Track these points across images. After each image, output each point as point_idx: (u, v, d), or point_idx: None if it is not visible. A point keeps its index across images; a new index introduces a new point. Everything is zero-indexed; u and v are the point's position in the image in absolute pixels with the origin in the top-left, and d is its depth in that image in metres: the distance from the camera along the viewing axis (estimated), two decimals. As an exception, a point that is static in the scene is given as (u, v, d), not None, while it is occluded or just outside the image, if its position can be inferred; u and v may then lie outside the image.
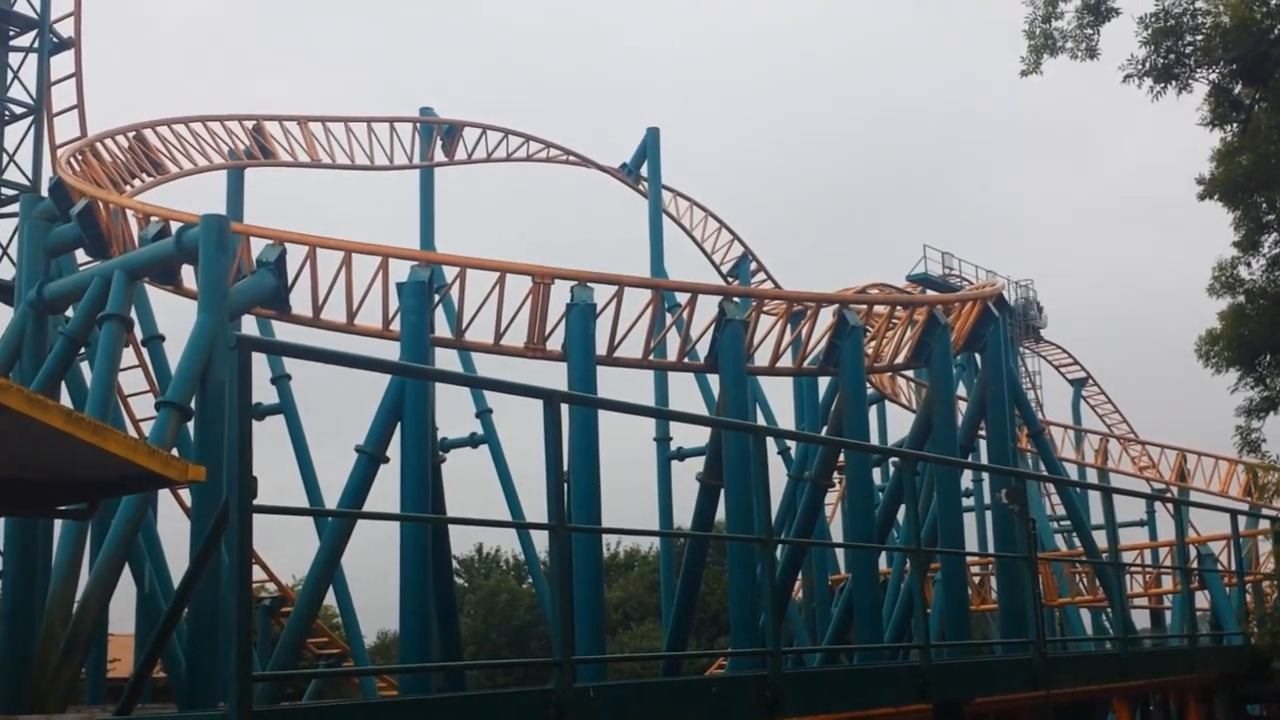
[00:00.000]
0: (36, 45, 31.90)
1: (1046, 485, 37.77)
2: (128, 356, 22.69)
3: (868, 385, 25.19)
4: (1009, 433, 23.11)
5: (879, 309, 23.27)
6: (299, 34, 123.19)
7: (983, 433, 23.95)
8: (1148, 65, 17.54)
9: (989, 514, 34.27)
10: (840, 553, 30.83)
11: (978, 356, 24.38)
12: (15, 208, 26.80)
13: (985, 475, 31.71)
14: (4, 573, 19.03)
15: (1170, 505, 32.84)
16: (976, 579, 32.74)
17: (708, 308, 20.77)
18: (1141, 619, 31.47)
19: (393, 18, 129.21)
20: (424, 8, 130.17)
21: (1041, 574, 23.53)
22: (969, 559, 27.22)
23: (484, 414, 30.49)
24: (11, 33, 32.12)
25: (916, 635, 11.17)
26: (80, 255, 20.59)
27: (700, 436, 30.82)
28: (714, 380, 24.90)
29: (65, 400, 18.53)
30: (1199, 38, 17.50)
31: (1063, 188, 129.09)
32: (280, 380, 27.25)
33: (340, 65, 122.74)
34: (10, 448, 12.64)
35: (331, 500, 26.07)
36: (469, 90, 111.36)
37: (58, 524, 17.58)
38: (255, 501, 5.62)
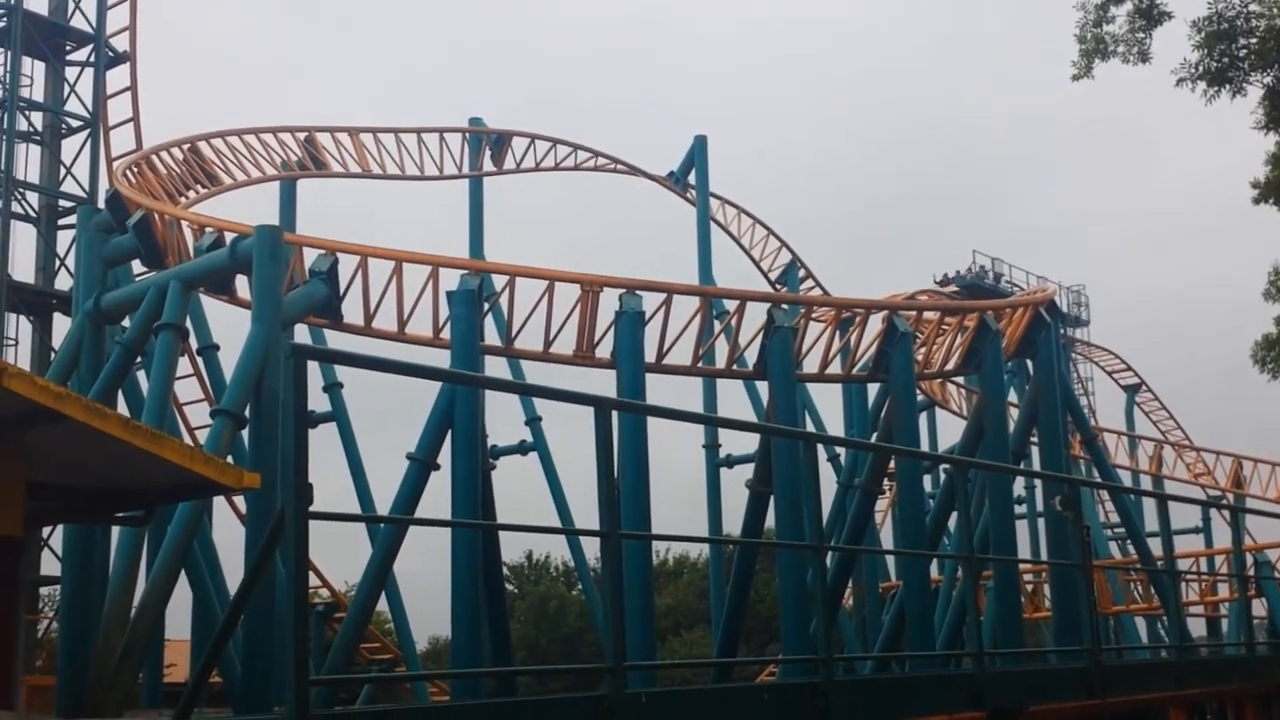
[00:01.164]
0: (93, 59, 32.47)
1: (1100, 492, 37.37)
2: (183, 365, 22.94)
3: (917, 391, 25.05)
4: (1062, 439, 22.91)
5: (929, 315, 23.15)
6: (350, 46, 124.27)
7: (1035, 439, 23.77)
8: (1201, 69, 17.37)
9: (1041, 521, 33.99)
10: (890, 560, 30.66)
11: (1029, 362, 24.18)
12: (73, 219, 27.23)
13: (1038, 482, 31.41)
14: (63, 579, 19.34)
15: (1226, 512, 32.40)
16: (1029, 587, 32.45)
17: (756, 315, 20.78)
18: (1197, 627, 31.05)
19: (444, 29, 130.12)
20: (476, 19, 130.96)
21: (1096, 582, 23.30)
22: (1020, 566, 26.98)
23: (533, 421, 30.60)
24: (69, 47, 32.72)
25: (970, 642, 11.10)
26: (136, 266, 20.93)
27: (748, 443, 30.77)
28: (763, 387, 24.88)
29: (122, 409, 18.79)
30: (1253, 41, 17.31)
31: (1115, 194, 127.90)
32: (332, 388, 27.48)
33: (391, 77, 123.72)
34: (69, 456, 12.86)
35: (384, 507, 26.27)
36: (518, 100, 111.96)
37: (115, 531, 17.85)
38: (311, 508, 5.69)
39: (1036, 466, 24.86)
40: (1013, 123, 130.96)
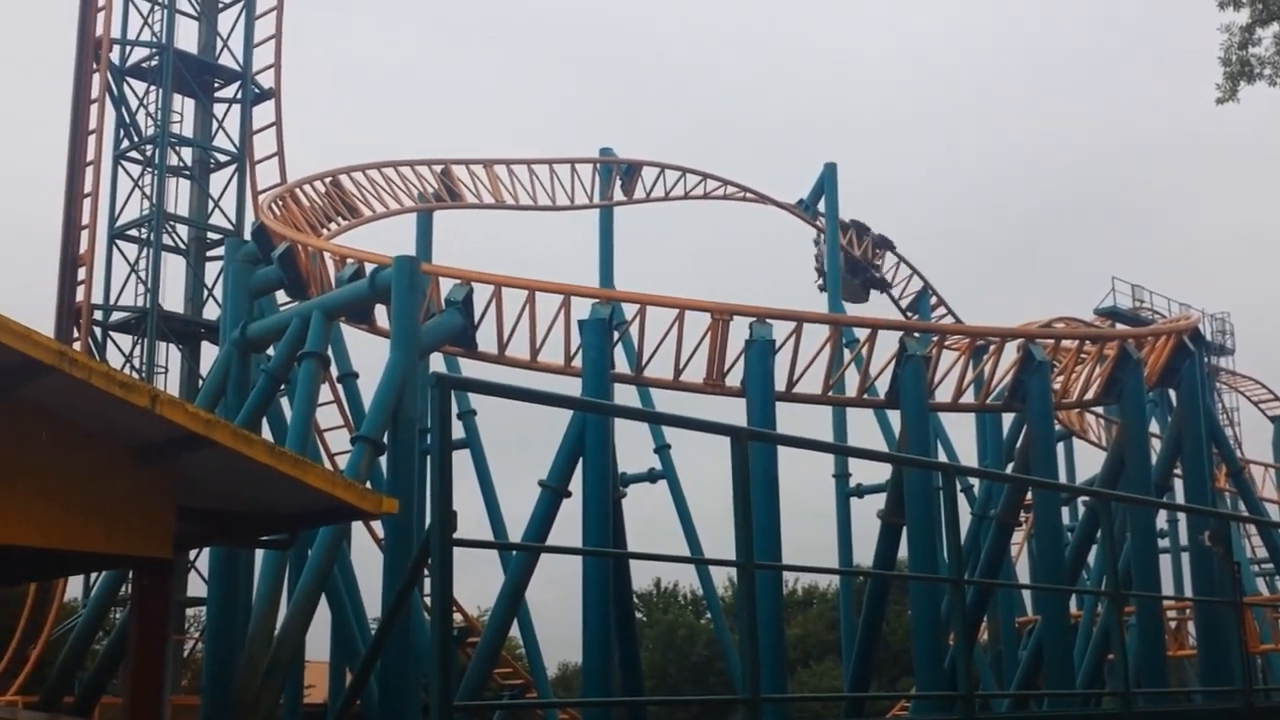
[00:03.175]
0: (240, 96, 33.61)
1: (1247, 526, 36.08)
2: (324, 392, 23.55)
3: (1055, 422, 24.52)
4: (1207, 471, 22.23)
5: (1067, 344, 22.68)
6: (482, 79, 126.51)
7: (1178, 471, 23.08)
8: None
9: (1185, 555, 32.93)
10: (1027, 594, 29.99)
11: (1172, 392, 23.53)
12: (221, 251, 28.13)
13: (1182, 516, 30.48)
14: (209, 600, 19.93)
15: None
16: (1172, 624, 31.45)
17: (887, 343, 20.59)
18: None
19: (576, 63, 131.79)
20: (605, 53, 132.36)
21: (1245, 619, 22.49)
22: (1164, 603, 26.19)
23: (662, 449, 30.66)
24: (217, 84, 33.92)
25: (1115, 681, 10.81)
26: (280, 296, 21.55)
27: (878, 473, 30.40)
28: (893, 416, 24.60)
29: (266, 435, 19.32)
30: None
31: (1261, 218, 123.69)
32: (466, 415, 27.91)
33: (523, 108, 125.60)
34: (217, 480, 13.27)
35: (515, 533, 26.55)
36: (648, 130, 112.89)
37: (259, 554, 18.35)
38: (454, 535, 5.80)
39: (1180, 499, 24.15)
40: (1154, 142, 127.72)
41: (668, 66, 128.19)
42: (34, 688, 25.30)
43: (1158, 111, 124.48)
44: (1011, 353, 21.06)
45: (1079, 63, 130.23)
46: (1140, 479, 20.87)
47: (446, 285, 19.50)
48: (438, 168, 28.74)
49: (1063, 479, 31.24)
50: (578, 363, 19.92)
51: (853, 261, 36.59)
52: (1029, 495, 23.97)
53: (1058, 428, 29.47)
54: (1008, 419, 26.32)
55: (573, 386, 19.94)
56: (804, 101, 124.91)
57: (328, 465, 23.98)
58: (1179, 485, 24.02)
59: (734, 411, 19.96)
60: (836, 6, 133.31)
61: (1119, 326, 34.62)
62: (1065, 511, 29.05)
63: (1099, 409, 30.93)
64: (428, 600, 23.11)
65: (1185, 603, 29.31)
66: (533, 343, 20.03)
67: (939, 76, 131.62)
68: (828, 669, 51.90)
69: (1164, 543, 33.79)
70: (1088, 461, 36.54)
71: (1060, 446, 32.36)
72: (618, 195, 32.97)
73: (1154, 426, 27.59)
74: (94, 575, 24.82)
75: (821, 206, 35.57)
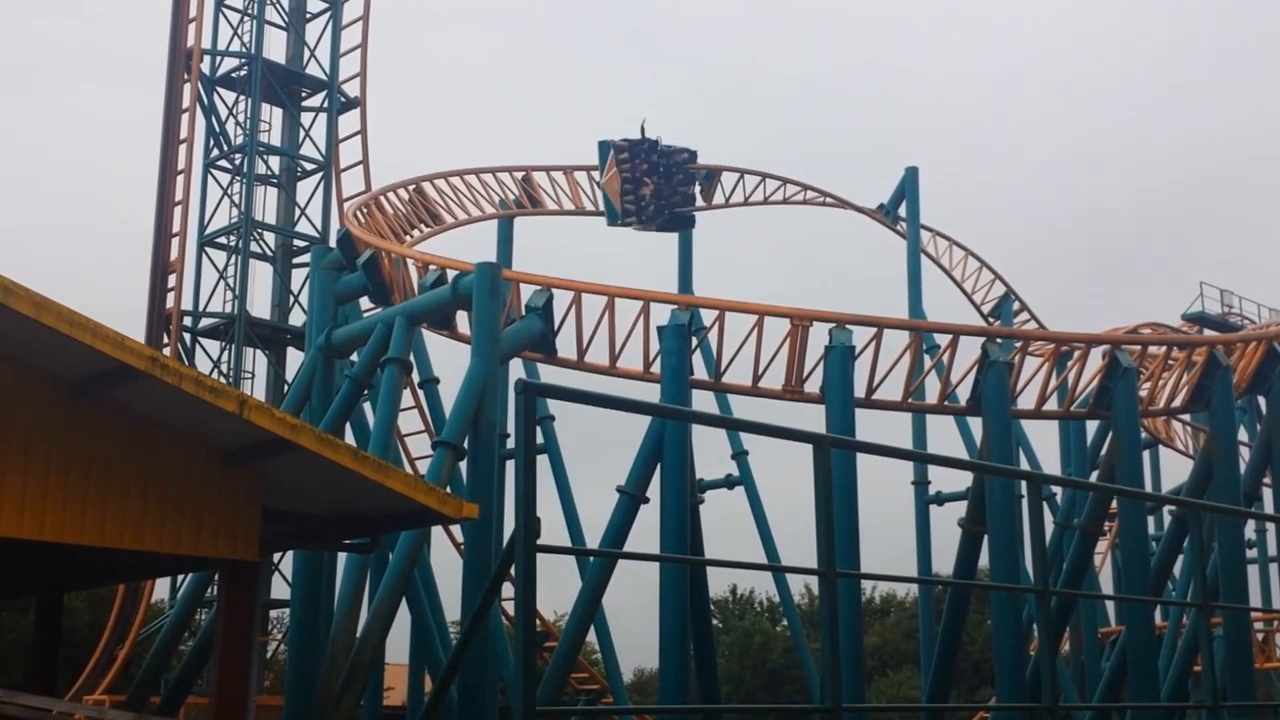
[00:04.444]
0: (326, 105, 34.13)
1: (1340, 538, 35.21)
2: (405, 398, 23.82)
3: (1141, 429, 24.13)
4: (1299, 481, 21.73)
5: (1153, 350, 22.30)
6: (567, 86, 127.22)
7: (1268, 480, 22.59)
8: None
9: (1274, 567, 32.24)
10: (1110, 604, 29.52)
11: (1261, 400, 23.04)
12: (307, 258, 28.57)
13: (1270, 526, 29.81)
14: (292, 602, 20.23)
15: None
16: (1260, 636, 30.77)
17: (969, 349, 20.39)
18: None
19: (655, 66, 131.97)
20: (687, 58, 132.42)
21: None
22: (1251, 614, 25.64)
23: (740, 455, 30.59)
24: (304, 94, 34.48)
25: (1203, 694, 10.62)
26: (364, 302, 21.84)
27: (958, 481, 30.10)
28: (974, 423, 24.32)
29: (349, 439, 19.59)
30: None
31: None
32: (544, 421, 28.07)
33: (607, 113, 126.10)
34: (302, 484, 13.52)
35: (593, 539, 26.64)
36: (731, 136, 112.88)
37: (341, 557, 18.60)
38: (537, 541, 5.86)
39: (1269, 509, 23.65)
40: (1241, 144, 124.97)
41: (757, 71, 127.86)
42: (120, 688, 25.85)
43: (1258, 117, 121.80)
44: (1096, 359, 20.75)
45: (1173, 62, 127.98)
46: (1228, 488, 20.46)
47: (527, 291, 19.65)
48: (519, 174, 28.98)
49: (1148, 488, 30.72)
50: (656, 369, 19.95)
51: (639, 180, 29.02)
52: (1114, 504, 23.61)
53: (1144, 435, 29.00)
54: (1092, 426, 25.95)
55: (651, 392, 19.98)
56: (889, 102, 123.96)
57: (409, 470, 24.24)
58: (1268, 494, 23.52)
59: (813, 418, 19.90)
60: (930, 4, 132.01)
61: (1207, 332, 33.98)
62: (1150, 521, 28.55)
63: (1186, 416, 30.37)
64: (506, 606, 23.32)
65: (1274, 614, 28.68)
66: (612, 348, 20.10)
67: (1023, 82, 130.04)
68: (905, 678, 51.46)
69: (1252, 553, 33.03)
70: (1174, 470, 35.95)
71: (1146, 455, 31.84)
72: (698, 201, 32.96)
73: (1243, 434, 27.04)
74: (181, 576, 25.29)
75: (903, 211, 35.28)
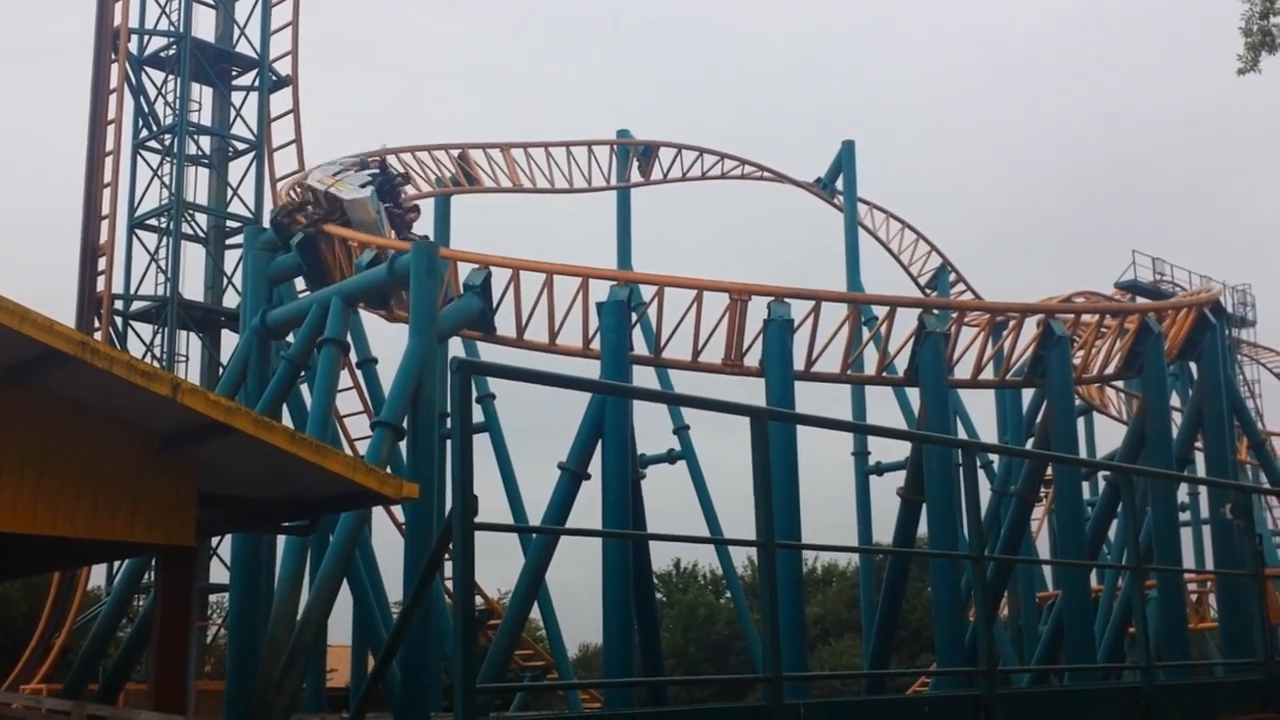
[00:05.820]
0: (257, 84, 33.65)
1: (1270, 499, 35.95)
2: (343, 378, 23.63)
3: (1075, 396, 24.47)
4: (1229, 444, 22.17)
5: (1087, 318, 22.60)
6: (503, 61, 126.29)
7: (1199, 445, 23.01)
8: (1374, 57, 16.62)
9: (1206, 529, 32.81)
10: (1047, 569, 29.98)
11: (1193, 365, 23.45)
12: (240, 239, 28.21)
13: (1203, 489, 30.39)
14: (231, 587, 20.06)
15: None
16: (1193, 597, 31.38)
17: (906, 321, 20.55)
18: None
19: (596, 45, 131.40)
20: (626, 35, 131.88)
21: (1267, 591, 22.45)
22: (1185, 576, 26.16)
23: (681, 430, 30.68)
24: (234, 73, 33.96)
25: (1136, 654, 10.82)
26: (300, 283, 21.60)
27: (897, 451, 30.37)
28: (913, 393, 24.56)
29: (286, 422, 19.40)
30: None
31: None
32: (485, 399, 27.97)
33: (540, 94, 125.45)
34: (238, 468, 13.37)
35: (535, 516, 26.61)
36: (669, 113, 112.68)
37: (281, 540, 18.45)
38: (475, 519, 5.84)
39: (1201, 472, 24.08)
40: (1177, 122, 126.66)
41: (708, 48, 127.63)
42: (58, 676, 25.51)
43: (1191, 89, 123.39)
44: (1031, 328, 21.01)
45: (1110, 43, 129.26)
46: (1161, 453, 20.82)
47: (465, 270, 19.53)
48: (455, 152, 28.73)
49: (1083, 454, 31.18)
50: (596, 345, 19.94)
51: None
52: (1049, 471, 23.95)
53: (1078, 403, 29.41)
54: (1028, 395, 26.28)
55: (592, 369, 19.97)
56: (835, 81, 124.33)
57: (348, 451, 24.08)
58: (1200, 458, 23.95)
59: (753, 391, 19.98)
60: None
61: (1139, 300, 34.49)
62: (1086, 486, 28.99)
63: (1120, 383, 30.84)
64: (448, 584, 23.25)
65: (1206, 576, 29.26)
66: (551, 326, 20.05)
67: (956, 56, 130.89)
68: (847, 646, 52.00)
69: (1185, 516, 33.65)
70: (1108, 436, 36.50)
71: (1080, 421, 32.30)
72: (635, 177, 32.92)
73: (1175, 400, 27.48)
74: (117, 563, 24.99)
75: (840, 185, 35.44)
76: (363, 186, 20.91)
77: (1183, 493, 33.71)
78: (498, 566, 42.42)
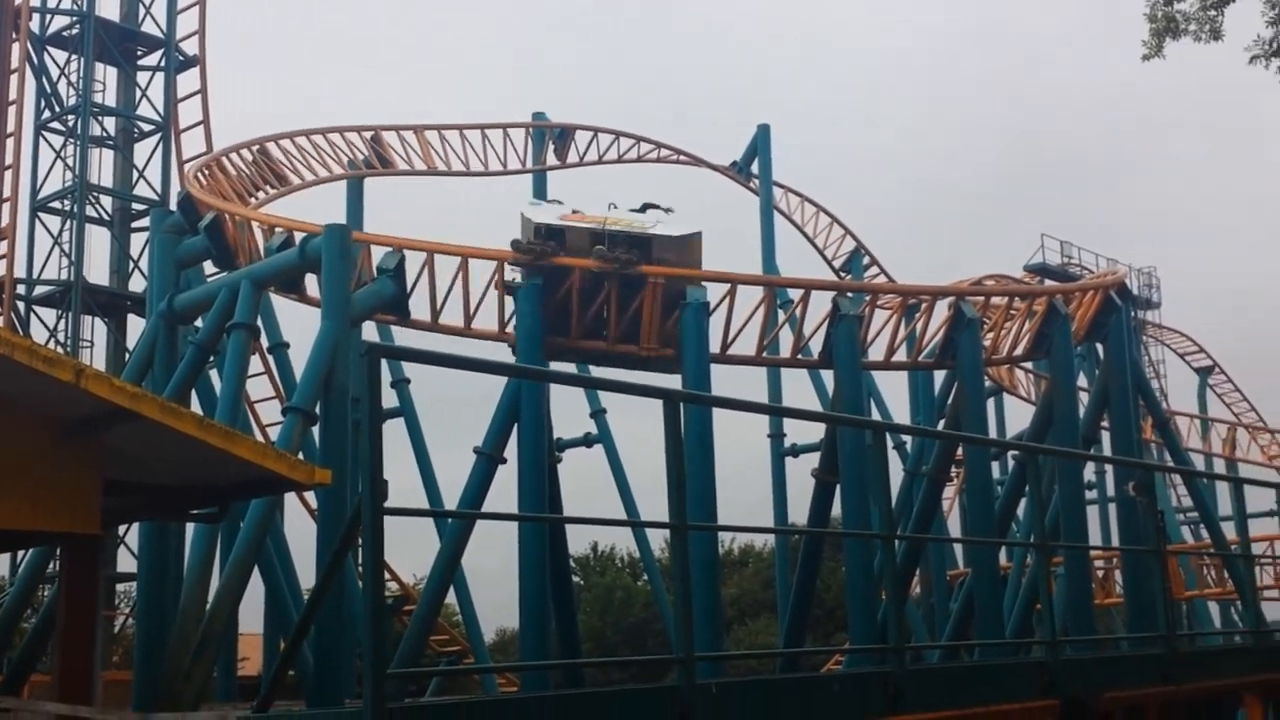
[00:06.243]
0: (163, 64, 32.97)
1: (1173, 476, 36.87)
2: (254, 364, 23.30)
3: (985, 378, 24.87)
4: (1133, 423, 22.66)
5: (996, 301, 22.97)
6: (418, 46, 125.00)
7: (1106, 424, 23.49)
8: (1275, 45, 17.01)
9: (1112, 506, 33.56)
10: (958, 548, 30.46)
11: (1099, 346, 23.93)
12: (146, 222, 27.68)
13: (1109, 467, 31.08)
14: (139, 575, 19.72)
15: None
16: (1099, 573, 32.10)
17: (821, 303, 20.73)
18: (1273, 612, 30.56)
19: (508, 27, 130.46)
20: (540, 18, 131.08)
21: (1170, 567, 23.03)
22: (1091, 553, 26.75)
23: (598, 414, 30.69)
24: (139, 52, 33.25)
25: (1043, 630, 11.04)
26: (208, 267, 21.24)
27: (813, 432, 30.62)
28: (828, 376, 24.77)
29: (195, 408, 19.10)
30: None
31: (1194, 176, 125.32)
32: (400, 384, 27.74)
33: (456, 75, 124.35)
34: (145, 454, 13.12)
35: (451, 501, 26.47)
36: (584, 96, 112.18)
37: (190, 528, 18.16)
38: (385, 504, 5.79)
39: (1107, 451, 24.60)
40: (1087, 107, 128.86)
41: (624, 32, 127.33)
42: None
43: (1098, 72, 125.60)
44: (943, 311, 21.30)
45: (1020, 23, 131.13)
46: (1068, 432, 21.23)
47: (378, 253, 19.31)
48: (367, 134, 28.41)
49: (993, 434, 31.72)
50: (512, 329, 19.87)
51: None
52: (960, 451, 24.34)
53: (988, 384, 29.89)
54: (939, 376, 26.65)
55: (508, 353, 19.90)
56: (751, 70, 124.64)
57: (259, 437, 23.76)
58: (1106, 437, 24.46)
59: (671, 375, 20.01)
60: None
61: (1048, 283, 35.12)
62: (996, 466, 29.50)
63: (1028, 364, 31.40)
64: (362, 569, 23.07)
65: (1112, 552, 29.94)
66: (466, 310, 19.95)
67: (868, 40, 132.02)
68: (764, 626, 52.45)
69: (1092, 494, 34.43)
70: (1018, 416, 37.11)
71: (990, 402, 32.80)
72: (551, 160, 32.80)
73: (1082, 380, 28.06)
74: (20, 553, 24.45)
75: (755, 169, 35.60)
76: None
77: (1089, 471, 34.47)
78: (413, 551, 42.11)
